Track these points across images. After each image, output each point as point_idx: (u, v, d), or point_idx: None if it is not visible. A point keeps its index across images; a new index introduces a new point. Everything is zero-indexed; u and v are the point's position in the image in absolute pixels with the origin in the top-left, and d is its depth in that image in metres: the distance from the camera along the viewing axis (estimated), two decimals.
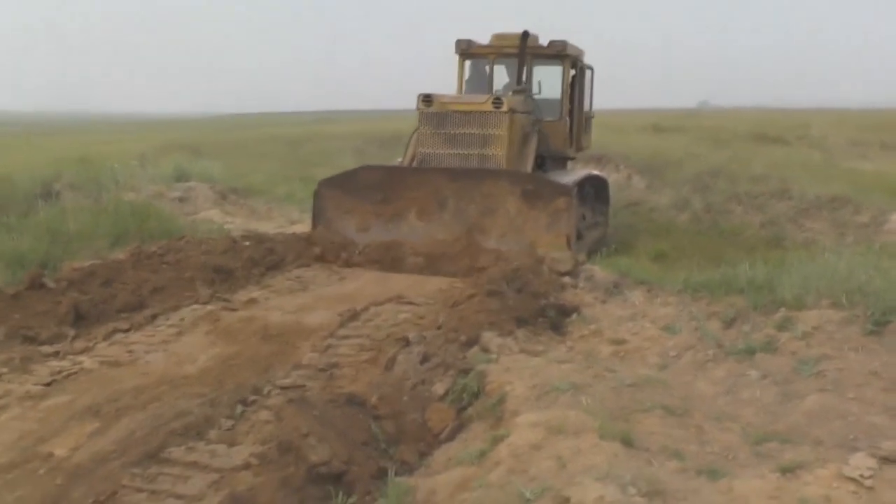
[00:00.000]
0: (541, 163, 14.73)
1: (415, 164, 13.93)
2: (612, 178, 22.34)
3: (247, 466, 5.56)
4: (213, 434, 6.24)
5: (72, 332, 8.85)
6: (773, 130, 31.23)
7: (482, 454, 5.40)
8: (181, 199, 15.29)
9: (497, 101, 13.25)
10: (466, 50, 15.64)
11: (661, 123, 34.14)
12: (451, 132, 13.47)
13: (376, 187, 12.90)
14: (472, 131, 13.37)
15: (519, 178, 12.59)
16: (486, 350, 7.19)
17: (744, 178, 20.27)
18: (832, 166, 22.65)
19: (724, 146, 25.66)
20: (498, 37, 15.46)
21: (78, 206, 12.67)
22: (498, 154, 13.26)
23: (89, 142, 27.36)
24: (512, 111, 13.31)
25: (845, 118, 36.57)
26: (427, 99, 13.60)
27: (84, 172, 15.35)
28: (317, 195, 13.34)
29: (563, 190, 12.23)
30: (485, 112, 13.29)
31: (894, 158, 26.56)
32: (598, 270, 9.90)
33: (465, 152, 13.40)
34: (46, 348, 8.40)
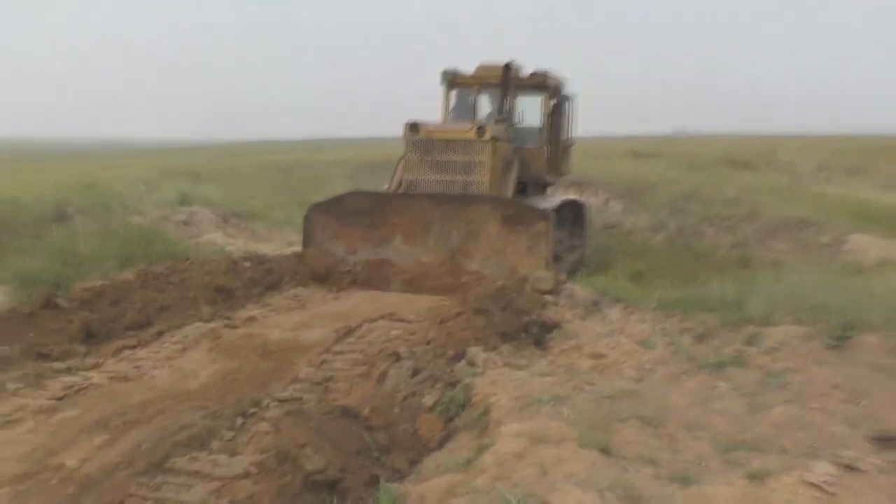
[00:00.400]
0: (522, 188, 14.73)
1: (402, 189, 13.91)
2: (591, 201, 22.39)
3: (247, 475, 5.58)
4: (215, 445, 6.26)
5: (83, 349, 8.86)
6: (743, 156, 31.37)
7: (469, 462, 5.43)
8: (185, 223, 15.30)
9: (480, 130, 13.21)
10: (452, 80, 15.61)
11: (639, 149, 34.25)
12: (437, 159, 13.47)
13: (364, 212, 12.82)
14: (457, 158, 13.37)
15: (500, 203, 12.56)
16: (472, 364, 7.21)
17: (716, 202, 20.35)
18: (798, 190, 22.73)
19: (697, 171, 25.77)
20: (482, 67, 15.37)
21: (88, 230, 12.68)
22: (481, 180, 13.25)
23: (93, 168, 27.31)
24: (494, 139, 13.30)
25: (811, 145, 36.71)
26: (414, 127, 13.58)
27: (93, 197, 15.33)
28: (306, 219, 13.28)
29: (542, 215, 12.18)
30: (469, 140, 13.27)
31: (857, 183, 26.68)
32: (578, 289, 9.93)
33: (450, 178, 13.38)
34: (59, 364, 8.40)
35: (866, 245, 15.77)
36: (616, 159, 29.59)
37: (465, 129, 13.47)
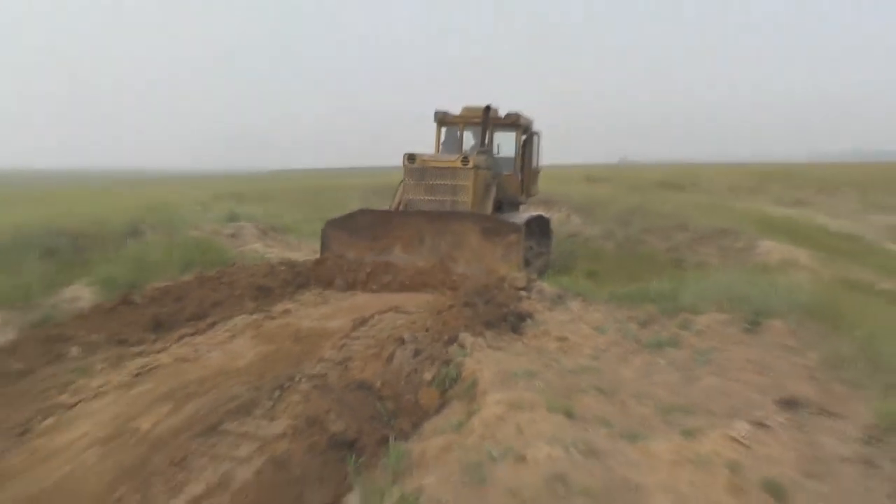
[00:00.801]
0: (499, 206, 14.81)
1: (401, 208, 13.92)
2: (555, 216, 22.38)
3: (283, 436, 5.57)
4: (257, 412, 6.26)
5: (153, 337, 8.85)
6: (673, 179, 31.45)
7: (460, 424, 5.43)
8: (233, 235, 15.25)
9: (465, 160, 13.35)
10: (443, 119, 15.81)
11: (592, 174, 34.29)
12: (430, 183, 13.60)
13: (370, 227, 12.86)
14: (446, 182, 13.51)
15: (480, 218, 12.59)
16: (462, 346, 7.19)
17: (654, 215, 20.35)
18: (716, 206, 22.79)
19: (638, 192, 25.79)
20: (467, 109, 15.55)
21: (156, 242, 12.66)
22: (465, 200, 13.36)
23: (152, 193, 27.34)
24: (476, 168, 13.42)
25: (725, 170, 36.83)
26: (411, 157, 13.69)
27: (159, 216, 15.32)
28: (323, 233, 13.31)
29: (514, 227, 12.18)
30: (455, 168, 13.42)
31: (758, 199, 26.85)
32: (546, 286, 9.92)
33: (441, 198, 13.50)
34: (134, 349, 8.40)
35: (771, 249, 15.83)
36: (574, 182, 29.62)
37: (453, 160, 13.55)
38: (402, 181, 14.20)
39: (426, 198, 13.63)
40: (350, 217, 13.18)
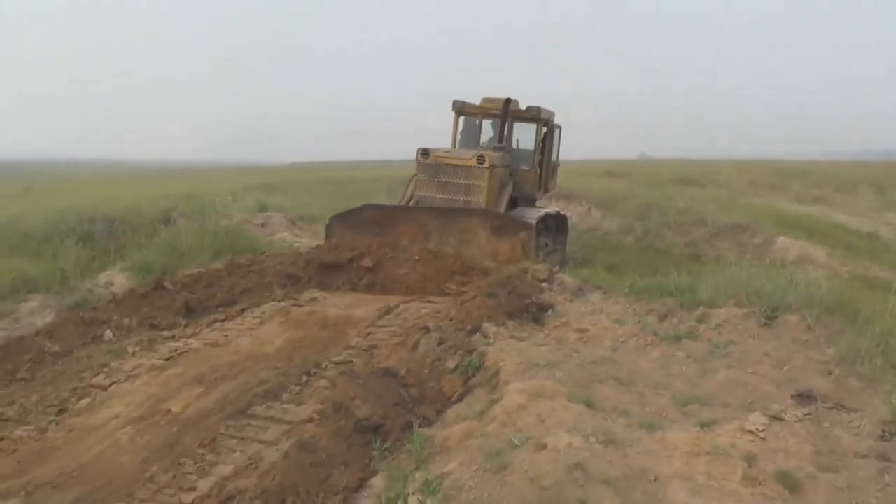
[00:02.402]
0: (514, 202, 14.30)
1: (412, 204, 13.46)
2: (576, 210, 22.27)
3: (310, 420, 5.62)
4: (285, 396, 6.31)
5: (184, 322, 8.95)
6: (691, 175, 31.15)
7: (482, 412, 5.45)
8: (262, 225, 15.26)
9: (480, 158, 12.81)
10: (461, 109, 15.18)
11: (611, 169, 34.09)
12: (443, 181, 13.06)
13: (375, 222, 12.29)
14: (460, 181, 12.95)
15: (489, 215, 12.11)
16: (485, 336, 7.20)
17: (671, 211, 20.21)
18: (734, 202, 22.58)
19: (656, 187, 25.61)
20: (486, 100, 14.92)
21: (188, 230, 12.70)
22: (479, 201, 12.80)
23: (183, 183, 27.43)
24: (492, 167, 12.88)
25: (744, 166, 36.46)
26: (425, 152, 13.18)
27: (191, 205, 15.37)
28: (328, 227, 12.82)
29: (524, 225, 11.86)
30: (470, 167, 12.87)
31: (777, 196, 26.60)
32: (567, 278, 9.87)
33: (453, 197, 12.97)
34: (166, 333, 8.50)
35: (788, 245, 15.68)
36: (594, 177, 29.45)
37: (468, 157, 12.99)
38: (413, 175, 13.73)
39: (438, 195, 13.12)
40: (355, 212, 12.64)
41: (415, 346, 7.27)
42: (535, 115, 14.69)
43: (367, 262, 10.60)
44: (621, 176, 31.15)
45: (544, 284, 9.53)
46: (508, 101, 14.02)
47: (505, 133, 14.31)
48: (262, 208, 16.70)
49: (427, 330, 7.58)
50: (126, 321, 8.78)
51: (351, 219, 12.46)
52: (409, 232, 11.99)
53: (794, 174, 31.61)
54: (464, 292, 9.09)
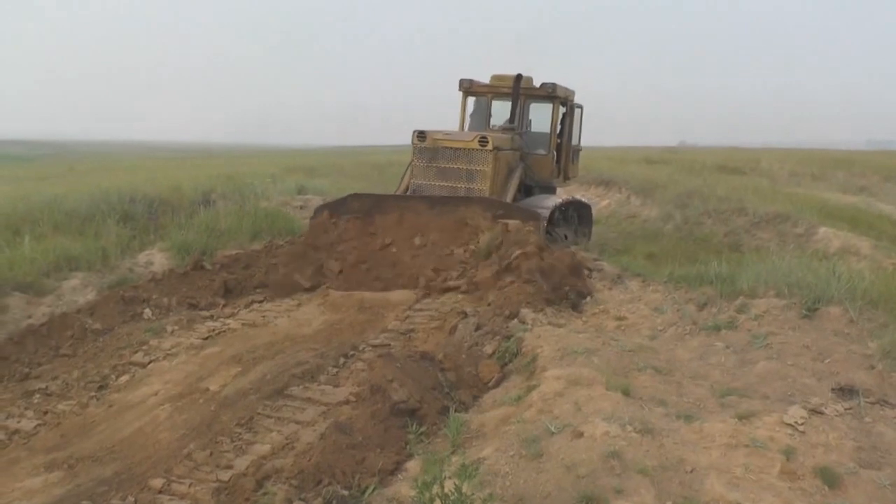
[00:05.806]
0: (528, 191, 12.90)
1: (408, 193, 11.93)
2: (615, 197, 22.10)
3: (347, 402, 5.65)
4: (322, 378, 6.36)
5: (222, 302, 9.04)
6: (732, 163, 30.80)
7: (519, 398, 5.45)
8: (301, 207, 15.27)
9: (483, 140, 11.31)
10: (468, 88, 13.72)
11: (651, 157, 33.81)
12: (442, 166, 11.60)
13: (363, 212, 10.72)
14: (460, 166, 11.48)
15: (491, 205, 10.58)
16: (523, 322, 7.18)
17: (712, 199, 19.96)
18: (776, 191, 22.26)
19: (696, 175, 25.32)
20: (496, 77, 13.43)
21: (227, 211, 12.76)
22: (482, 188, 11.34)
23: (225, 164, 27.62)
24: (497, 149, 11.40)
25: (786, 155, 35.93)
26: (421, 135, 11.74)
27: (231, 186, 15.46)
28: (312, 219, 11.17)
29: (532, 215, 10.45)
30: (472, 150, 11.38)
31: (821, 186, 26.23)
32: (606, 265, 9.81)
33: (453, 185, 11.53)
34: (204, 313, 8.60)
35: (830, 236, 15.42)
36: (634, 164, 29.19)
37: (469, 139, 11.50)
38: (410, 161, 12.18)
39: (437, 183, 11.68)
40: (342, 202, 11.15)
41: (452, 331, 7.28)
42: (551, 93, 13.09)
43: (333, 266, 9.95)
44: (661, 163, 30.88)
45: (584, 271, 9.40)
46: (520, 77, 12.63)
47: (517, 112, 12.94)
48: (302, 191, 16.76)
49: (465, 315, 7.59)
50: (165, 300, 8.89)
51: (338, 209, 10.98)
52: (395, 223, 10.64)
53: (839, 163, 31.12)
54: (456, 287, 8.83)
